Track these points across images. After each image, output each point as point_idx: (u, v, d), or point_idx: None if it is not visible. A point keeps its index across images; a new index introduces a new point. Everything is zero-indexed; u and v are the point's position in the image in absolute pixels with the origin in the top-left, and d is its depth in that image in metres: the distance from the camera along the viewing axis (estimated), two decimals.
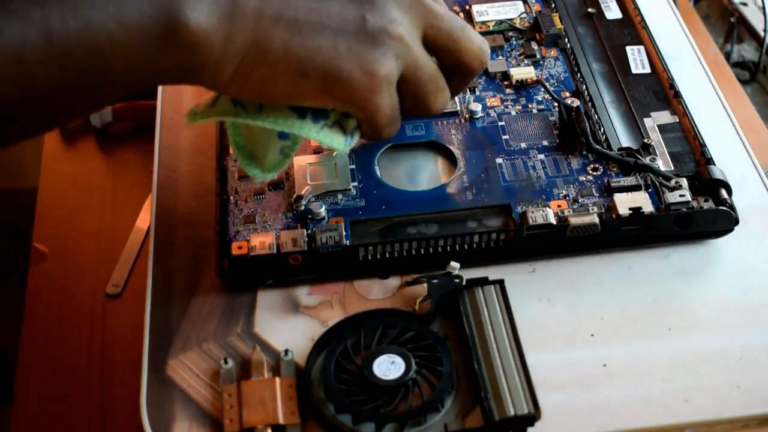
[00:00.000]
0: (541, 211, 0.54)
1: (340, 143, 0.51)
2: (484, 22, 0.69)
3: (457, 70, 0.53)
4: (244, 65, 0.47)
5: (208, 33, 0.45)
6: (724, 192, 0.55)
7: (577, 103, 0.61)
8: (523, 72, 0.64)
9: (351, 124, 0.52)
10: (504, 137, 0.60)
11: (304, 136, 0.51)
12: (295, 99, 0.49)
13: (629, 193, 0.55)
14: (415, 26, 0.50)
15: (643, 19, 0.68)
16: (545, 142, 0.60)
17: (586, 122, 0.59)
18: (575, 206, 0.56)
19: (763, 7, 0.95)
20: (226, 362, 0.50)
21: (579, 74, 0.64)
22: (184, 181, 0.61)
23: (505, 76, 0.64)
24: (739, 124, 0.63)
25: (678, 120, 0.61)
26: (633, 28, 0.68)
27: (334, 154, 0.59)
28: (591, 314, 0.53)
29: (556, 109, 0.61)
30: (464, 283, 0.53)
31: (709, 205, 0.55)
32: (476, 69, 0.53)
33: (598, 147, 0.58)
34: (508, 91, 0.64)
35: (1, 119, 0.44)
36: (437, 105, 0.52)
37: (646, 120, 0.61)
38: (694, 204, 0.55)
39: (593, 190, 0.56)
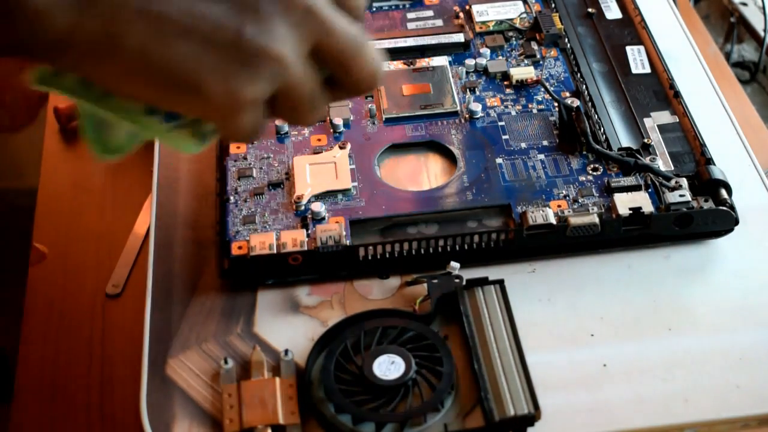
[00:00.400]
0: (541, 211, 0.54)
1: (189, 146, 0.45)
2: (484, 22, 0.68)
3: (343, 87, 0.47)
4: (91, 57, 0.42)
5: (49, 13, 0.40)
6: (724, 192, 0.55)
7: (577, 103, 0.61)
8: (523, 72, 0.64)
9: (208, 126, 0.45)
10: (504, 137, 0.60)
11: (148, 137, 0.45)
12: (143, 101, 0.44)
13: (629, 193, 0.55)
14: (302, 41, 0.44)
15: (643, 19, 0.68)
16: (545, 142, 0.60)
17: (586, 122, 0.59)
18: (575, 206, 0.55)
19: (763, 7, 0.95)
20: (226, 362, 0.50)
21: (579, 74, 0.64)
22: (184, 181, 0.61)
23: (505, 76, 0.64)
24: (739, 124, 0.63)
25: (678, 120, 0.61)
26: (633, 28, 0.68)
27: None
28: (591, 314, 0.53)
29: (556, 109, 0.61)
30: (464, 283, 0.53)
31: (709, 205, 0.55)
32: (361, 92, 0.48)
33: (598, 147, 0.58)
34: (508, 91, 0.64)
35: None
36: (309, 121, 0.47)
37: (646, 120, 0.61)
38: (694, 204, 0.55)
39: (593, 190, 0.56)
